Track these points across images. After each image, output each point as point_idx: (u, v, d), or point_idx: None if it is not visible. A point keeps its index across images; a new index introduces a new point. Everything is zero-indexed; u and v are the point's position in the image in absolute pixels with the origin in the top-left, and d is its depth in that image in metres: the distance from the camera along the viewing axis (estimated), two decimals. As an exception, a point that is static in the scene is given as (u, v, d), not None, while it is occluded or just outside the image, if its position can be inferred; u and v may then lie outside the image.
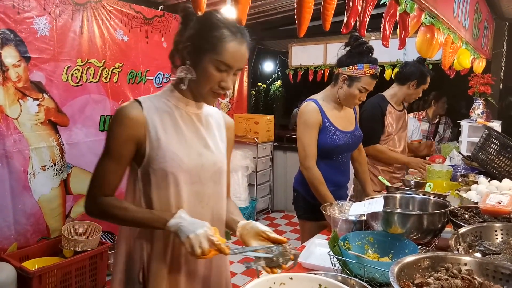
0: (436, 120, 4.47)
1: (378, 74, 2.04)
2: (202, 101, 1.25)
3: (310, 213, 2.12)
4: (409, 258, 1.07)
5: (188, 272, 1.25)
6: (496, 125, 3.35)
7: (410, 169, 2.96)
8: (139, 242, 1.23)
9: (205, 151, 1.24)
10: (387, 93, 2.76)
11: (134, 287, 1.22)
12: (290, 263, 1.09)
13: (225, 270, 1.38)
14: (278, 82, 7.44)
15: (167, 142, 1.18)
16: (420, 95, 2.78)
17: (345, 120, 2.15)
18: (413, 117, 4.11)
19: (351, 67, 2.00)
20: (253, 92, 7.08)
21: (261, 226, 1.18)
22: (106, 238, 3.39)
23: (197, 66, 1.15)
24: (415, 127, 3.64)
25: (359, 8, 1.34)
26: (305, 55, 5.05)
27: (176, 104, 1.23)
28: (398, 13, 1.57)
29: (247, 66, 5.06)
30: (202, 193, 1.25)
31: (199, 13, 0.99)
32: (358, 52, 2.00)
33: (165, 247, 1.21)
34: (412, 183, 2.33)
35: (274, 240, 1.13)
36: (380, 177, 2.33)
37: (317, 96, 2.13)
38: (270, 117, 5.27)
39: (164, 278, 1.21)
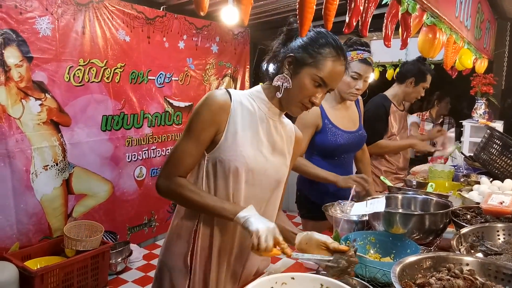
0: (440, 120, 4.47)
1: (370, 60, 2.03)
2: (288, 111, 1.28)
3: (313, 213, 2.11)
4: (411, 258, 1.07)
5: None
6: (498, 125, 3.35)
7: (412, 169, 2.95)
8: (196, 227, 1.27)
9: (272, 157, 1.28)
10: (388, 93, 2.76)
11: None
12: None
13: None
14: (280, 82, 7.45)
15: (242, 138, 1.21)
16: (422, 94, 2.74)
17: (348, 120, 2.15)
18: (417, 117, 4.11)
19: None
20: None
21: (320, 236, 1.18)
22: (108, 237, 3.39)
23: (294, 77, 1.20)
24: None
25: (361, 8, 1.34)
26: (307, 55, 5.04)
27: (260, 106, 1.26)
28: (400, 13, 1.57)
29: (248, 66, 5.06)
30: (261, 198, 1.28)
31: (202, 14, 1.00)
32: (348, 45, 2.06)
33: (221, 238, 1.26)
34: (414, 183, 2.32)
35: (335, 249, 1.14)
36: (382, 177, 2.33)
37: None
38: (272, 117, 5.27)
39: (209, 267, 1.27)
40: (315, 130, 2.05)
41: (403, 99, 2.77)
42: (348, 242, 1.40)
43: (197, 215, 1.27)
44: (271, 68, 1.26)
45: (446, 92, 4.45)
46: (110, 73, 3.41)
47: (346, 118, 2.14)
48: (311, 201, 2.13)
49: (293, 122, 1.48)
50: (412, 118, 3.90)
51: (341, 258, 1.11)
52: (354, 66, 2.01)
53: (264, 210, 1.30)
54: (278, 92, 1.22)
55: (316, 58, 1.18)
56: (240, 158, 1.20)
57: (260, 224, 1.10)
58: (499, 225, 1.41)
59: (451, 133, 3.38)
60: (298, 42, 1.22)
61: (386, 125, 2.67)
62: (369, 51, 2.04)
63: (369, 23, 1.41)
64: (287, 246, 1.10)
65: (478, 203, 1.74)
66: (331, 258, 1.12)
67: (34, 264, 2.78)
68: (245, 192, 1.23)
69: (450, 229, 1.57)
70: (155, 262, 2.94)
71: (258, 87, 1.29)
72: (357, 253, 1.18)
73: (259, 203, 1.27)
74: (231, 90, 1.24)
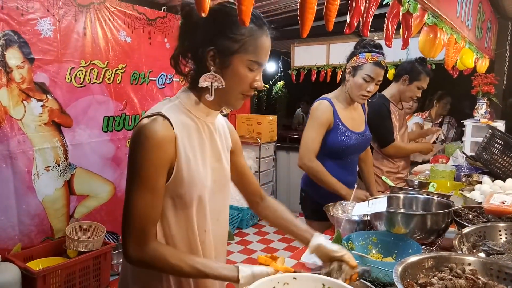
0: (439, 120, 4.46)
1: (384, 64, 2.03)
2: (228, 106, 1.14)
3: (318, 214, 2.11)
4: (413, 258, 1.07)
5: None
6: (500, 125, 3.34)
7: (414, 169, 2.96)
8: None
9: (217, 165, 1.17)
10: (386, 92, 2.75)
11: None
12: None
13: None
14: (281, 83, 7.45)
15: (194, 163, 1.07)
16: (418, 94, 2.67)
17: (356, 121, 2.16)
18: (420, 117, 4.10)
19: (354, 58, 2.07)
20: (256, 92, 7.10)
21: (331, 249, 1.15)
22: (110, 238, 3.40)
23: (225, 70, 1.04)
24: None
25: (362, 8, 1.33)
26: (308, 56, 5.05)
27: (197, 115, 1.11)
28: (401, 13, 1.57)
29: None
30: (217, 210, 1.19)
31: (203, 15, 0.92)
32: (362, 46, 2.06)
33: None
34: (416, 183, 2.32)
35: (346, 261, 1.12)
36: (383, 177, 2.33)
37: (330, 95, 2.15)
38: (273, 118, 5.28)
39: None
40: (327, 128, 2.06)
41: (399, 98, 2.75)
42: (350, 241, 1.40)
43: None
44: (192, 67, 1.10)
45: (447, 92, 4.45)
46: (111, 74, 3.41)
47: (354, 119, 2.15)
48: (315, 202, 2.13)
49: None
50: (415, 119, 3.89)
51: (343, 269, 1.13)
52: (367, 69, 2.00)
53: (220, 218, 1.22)
54: (208, 95, 1.04)
55: (241, 41, 1.02)
56: (200, 185, 1.08)
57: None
58: (501, 224, 1.41)
59: (440, 146, 3.43)
60: (210, 29, 1.03)
61: (392, 124, 2.67)
62: (382, 54, 2.03)
63: (370, 23, 1.41)
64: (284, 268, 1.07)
65: (480, 203, 1.74)
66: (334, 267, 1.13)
67: (36, 265, 2.78)
68: (208, 212, 1.14)
69: (452, 229, 1.57)
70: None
71: (188, 93, 1.11)
72: (356, 251, 1.19)
73: (218, 215, 1.20)
74: (166, 111, 1.04)
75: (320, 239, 1.20)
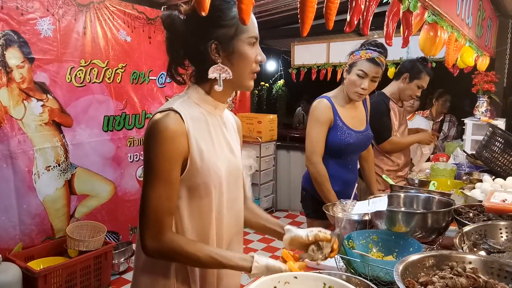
0: (440, 118, 4.46)
1: (380, 61, 2.02)
2: (242, 89, 1.20)
3: (319, 212, 2.11)
4: (414, 257, 1.07)
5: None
6: (500, 123, 3.34)
7: (414, 168, 2.95)
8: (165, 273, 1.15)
9: (231, 156, 1.20)
10: (386, 90, 2.76)
11: None
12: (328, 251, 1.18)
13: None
14: (281, 81, 7.44)
15: (208, 153, 1.10)
16: (417, 93, 2.67)
17: (356, 120, 2.16)
18: (418, 114, 4.10)
19: (350, 56, 2.09)
20: (256, 91, 7.09)
21: (298, 234, 1.20)
22: (110, 237, 3.40)
23: (230, 57, 1.09)
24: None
25: (362, 6, 1.33)
26: (308, 54, 5.04)
27: (206, 109, 1.15)
28: (401, 11, 1.57)
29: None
30: (232, 200, 1.21)
31: (203, 14, 0.94)
32: (361, 45, 2.08)
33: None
34: (416, 181, 2.32)
35: (321, 239, 1.17)
36: (384, 176, 2.32)
37: (330, 94, 2.16)
38: (273, 116, 5.28)
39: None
40: (330, 126, 2.06)
41: (399, 96, 2.75)
42: (351, 240, 1.40)
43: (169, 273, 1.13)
44: (198, 64, 1.13)
45: (448, 90, 4.44)
46: (111, 73, 3.41)
47: (355, 117, 2.15)
48: (316, 201, 2.13)
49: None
50: (418, 118, 3.87)
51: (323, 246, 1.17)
52: (360, 65, 2.02)
53: (235, 209, 1.25)
54: (216, 86, 1.09)
55: (234, 25, 1.07)
56: (214, 175, 1.11)
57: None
58: (502, 223, 1.40)
59: (425, 156, 3.35)
60: (203, 26, 1.07)
61: (390, 121, 2.66)
62: (380, 52, 2.03)
63: (370, 22, 1.41)
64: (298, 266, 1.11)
65: (481, 201, 1.74)
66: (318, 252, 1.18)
67: (37, 265, 2.79)
68: (224, 202, 1.17)
69: (453, 227, 1.57)
70: (157, 262, 2.94)
71: (196, 88, 1.15)
72: (356, 250, 1.19)
73: (232, 205, 1.22)
74: (177, 106, 1.08)
75: (291, 232, 1.22)
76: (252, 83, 1.17)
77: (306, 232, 1.19)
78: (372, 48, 2.03)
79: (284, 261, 1.12)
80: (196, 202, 1.11)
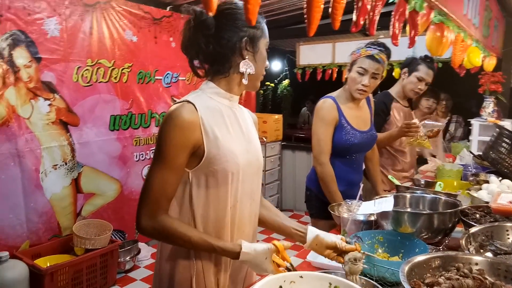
0: (447, 119, 4.43)
1: (380, 57, 2.01)
2: (252, 89, 1.28)
3: (324, 212, 2.11)
4: (420, 258, 1.07)
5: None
6: (507, 124, 3.31)
7: (420, 168, 2.94)
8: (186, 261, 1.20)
9: (250, 147, 1.24)
10: (392, 90, 2.75)
11: None
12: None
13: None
14: (286, 81, 7.44)
15: (224, 140, 1.14)
16: (419, 86, 2.58)
17: (361, 120, 2.15)
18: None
19: (352, 55, 2.10)
20: (261, 91, 7.09)
21: (328, 239, 1.21)
22: (116, 236, 3.42)
23: (255, 55, 1.18)
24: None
25: (368, 7, 1.33)
26: (313, 54, 5.04)
27: (221, 101, 1.20)
28: (407, 12, 1.57)
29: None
30: (251, 190, 1.24)
31: (211, 14, 0.97)
32: (364, 44, 2.08)
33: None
34: (422, 182, 2.31)
35: (345, 250, 1.18)
36: (390, 176, 2.32)
37: (334, 94, 2.16)
38: (278, 116, 5.28)
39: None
40: (335, 125, 2.06)
41: (404, 94, 2.72)
42: (355, 243, 1.40)
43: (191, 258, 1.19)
44: (228, 59, 1.17)
45: (454, 91, 4.41)
46: (117, 73, 3.43)
47: (359, 117, 2.15)
48: (321, 201, 2.13)
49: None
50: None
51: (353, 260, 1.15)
52: (361, 62, 2.03)
53: (255, 199, 1.27)
54: (243, 79, 1.18)
55: (260, 27, 1.18)
56: (232, 161, 1.14)
57: (257, 267, 1.13)
58: (509, 224, 1.40)
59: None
60: (238, 23, 1.13)
61: (384, 122, 2.62)
62: (380, 50, 2.02)
63: (376, 22, 1.41)
64: (289, 265, 1.11)
65: (487, 202, 1.73)
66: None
67: (44, 262, 2.81)
68: (241, 191, 1.19)
69: (459, 229, 1.56)
70: (163, 260, 2.95)
71: (210, 84, 1.20)
72: (365, 252, 1.20)
73: (252, 196, 1.25)
74: (192, 98, 1.14)
75: (315, 233, 1.23)
76: (259, 84, 1.26)
77: (337, 240, 1.20)
78: (372, 46, 2.04)
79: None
80: (213, 191, 1.15)
